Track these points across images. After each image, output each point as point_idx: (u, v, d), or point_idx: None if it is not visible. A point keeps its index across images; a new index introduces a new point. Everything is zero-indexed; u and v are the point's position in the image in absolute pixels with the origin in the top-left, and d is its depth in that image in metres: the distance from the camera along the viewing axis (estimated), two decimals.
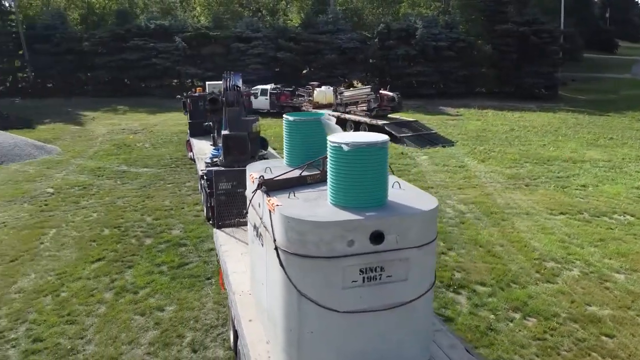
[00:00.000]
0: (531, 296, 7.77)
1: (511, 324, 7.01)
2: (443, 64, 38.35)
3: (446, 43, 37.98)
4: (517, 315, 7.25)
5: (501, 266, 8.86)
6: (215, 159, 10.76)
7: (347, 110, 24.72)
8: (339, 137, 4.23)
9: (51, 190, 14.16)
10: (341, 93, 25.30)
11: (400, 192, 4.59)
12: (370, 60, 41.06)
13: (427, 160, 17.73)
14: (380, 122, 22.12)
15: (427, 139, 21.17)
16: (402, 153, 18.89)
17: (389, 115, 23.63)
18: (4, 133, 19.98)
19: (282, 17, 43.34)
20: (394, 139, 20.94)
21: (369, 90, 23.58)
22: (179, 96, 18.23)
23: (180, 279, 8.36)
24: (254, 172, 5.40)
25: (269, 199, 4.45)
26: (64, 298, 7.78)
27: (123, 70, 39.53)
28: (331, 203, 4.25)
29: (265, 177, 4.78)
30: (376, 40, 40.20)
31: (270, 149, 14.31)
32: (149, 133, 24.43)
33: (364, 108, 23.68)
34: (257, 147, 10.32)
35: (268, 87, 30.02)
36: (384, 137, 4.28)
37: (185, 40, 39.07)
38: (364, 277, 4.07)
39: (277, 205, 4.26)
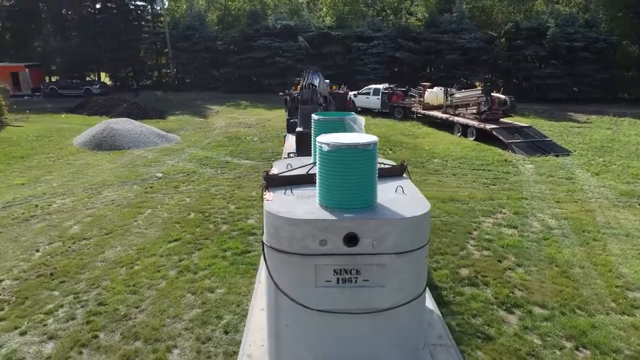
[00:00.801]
0: (595, 326, 6.97)
1: (558, 353, 6.38)
2: (577, 66, 35.02)
3: (582, 43, 34.60)
4: (569, 345, 6.57)
5: (572, 290, 8.04)
6: (291, 155, 11.15)
7: (457, 112, 23.84)
8: (325, 137, 4.24)
9: (160, 175, 15.72)
10: (452, 95, 24.46)
11: (398, 196, 4.48)
12: (497, 62, 38.89)
13: (531, 170, 16.47)
14: (489, 126, 20.99)
15: (539, 146, 19.60)
16: (505, 160, 17.75)
17: (502, 120, 22.31)
18: (135, 122, 22.52)
19: (404, 17, 42.79)
20: (501, 144, 19.79)
21: (480, 92, 22.47)
22: (281, 93, 19.03)
23: (238, 265, 8.87)
24: (276, 167, 5.60)
25: (265, 193, 4.62)
26: (135, 271, 8.70)
27: (250, 68, 42.10)
28: (318, 202, 4.29)
29: (272, 173, 4.95)
30: (503, 40, 37.98)
31: None
32: (261, 128, 25.82)
33: (474, 111, 22.67)
34: None
35: (380, 86, 29.98)
36: (370, 139, 4.20)
37: (308, 40, 40.45)
38: (338, 278, 4.07)
39: (267, 200, 4.41)
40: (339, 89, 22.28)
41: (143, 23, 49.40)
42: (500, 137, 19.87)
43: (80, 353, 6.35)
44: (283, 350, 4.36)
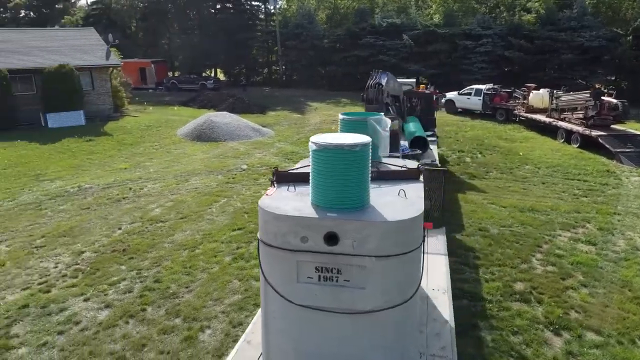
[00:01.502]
0: None
1: None
2: None
3: None
4: None
5: (639, 318, 7.21)
6: None
7: (562, 116, 22.09)
8: (317, 136, 4.30)
9: (245, 166, 16.58)
10: (558, 97, 22.69)
11: (396, 199, 4.42)
12: (622, 62, 35.25)
13: (636, 183, 14.85)
14: (595, 132, 19.19)
15: None
16: (607, 170, 16.16)
17: (613, 126, 20.29)
18: (233, 116, 23.88)
19: (518, 13, 40.31)
20: (608, 153, 18.03)
21: (588, 95, 20.60)
22: (363, 94, 19.00)
23: None
24: (300, 164, 5.76)
25: (269, 188, 4.80)
26: (195, 254, 9.36)
27: (354, 66, 42.45)
28: (310, 201, 4.38)
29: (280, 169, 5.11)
30: (629, 38, 34.32)
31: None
32: None
33: (581, 116, 20.85)
34: (396, 146, 10.39)
35: (483, 87, 28.67)
36: (359, 141, 4.19)
37: (413, 38, 39.81)
38: (319, 276, 4.14)
39: (266, 194, 4.59)
40: (426, 89, 21.77)
41: (257, 22, 51.93)
42: (607, 145, 18.11)
43: (127, 323, 7.03)
44: (271, 340, 4.52)
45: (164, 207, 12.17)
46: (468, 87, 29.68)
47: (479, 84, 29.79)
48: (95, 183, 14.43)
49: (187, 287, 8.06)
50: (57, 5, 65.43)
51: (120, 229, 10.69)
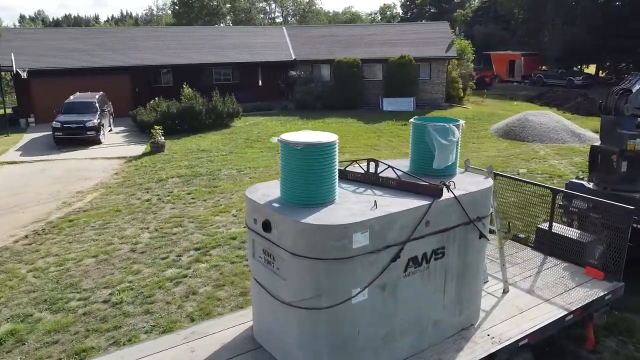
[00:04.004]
0: None
1: None
2: None
3: None
4: None
5: None
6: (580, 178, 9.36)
7: None
8: (288, 134, 4.54)
9: (522, 171, 15.40)
10: None
11: (358, 207, 4.32)
12: None
13: None
14: None
15: None
16: None
17: None
18: (554, 116, 21.66)
19: None
20: None
21: None
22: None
23: None
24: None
25: None
26: None
27: None
28: None
29: None
30: None
31: None
32: None
33: None
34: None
35: None
36: (316, 140, 4.28)
37: None
38: (265, 258, 4.59)
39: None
40: None
41: None
42: None
43: None
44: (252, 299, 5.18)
45: None
46: None
47: None
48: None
49: None
50: (455, 0, 71.17)
51: None
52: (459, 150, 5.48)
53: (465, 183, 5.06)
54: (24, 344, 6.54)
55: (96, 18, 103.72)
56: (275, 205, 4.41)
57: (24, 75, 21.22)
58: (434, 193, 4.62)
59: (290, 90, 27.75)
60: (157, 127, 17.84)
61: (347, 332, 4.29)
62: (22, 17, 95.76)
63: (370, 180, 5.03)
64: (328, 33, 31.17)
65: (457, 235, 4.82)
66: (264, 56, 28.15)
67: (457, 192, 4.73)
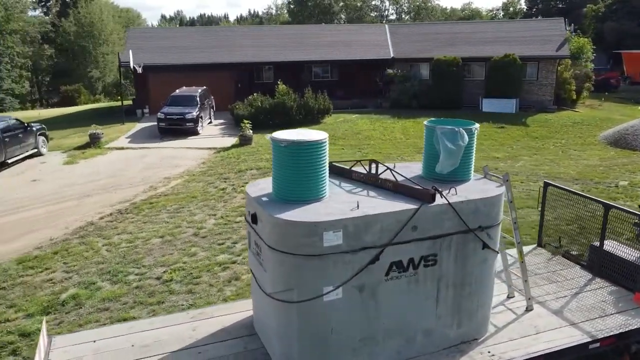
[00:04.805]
0: None
1: None
2: None
3: None
4: None
5: None
6: None
7: None
8: (282, 132, 4.66)
9: (624, 183, 13.93)
10: None
11: (338, 207, 4.37)
12: None
13: None
14: None
15: None
16: None
17: None
18: None
19: None
20: None
21: None
22: None
23: None
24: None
25: None
26: None
27: None
28: None
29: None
30: None
31: None
32: None
33: None
34: None
35: None
36: (301, 138, 4.36)
37: None
38: (255, 249, 4.78)
39: None
40: None
41: None
42: None
43: None
44: None
45: None
46: None
47: None
48: None
49: None
50: None
51: None
52: (472, 155, 5.22)
53: (471, 190, 4.82)
54: (81, 308, 7.41)
55: (225, 17, 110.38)
56: (263, 199, 4.57)
57: (139, 70, 23.51)
58: (425, 198, 4.47)
59: (387, 89, 27.56)
60: (246, 121, 18.80)
61: (320, 328, 4.34)
62: (162, 17, 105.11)
63: (371, 182, 4.99)
64: (431, 30, 30.42)
65: (454, 243, 4.61)
66: (362, 54, 28.25)
67: (455, 199, 4.53)
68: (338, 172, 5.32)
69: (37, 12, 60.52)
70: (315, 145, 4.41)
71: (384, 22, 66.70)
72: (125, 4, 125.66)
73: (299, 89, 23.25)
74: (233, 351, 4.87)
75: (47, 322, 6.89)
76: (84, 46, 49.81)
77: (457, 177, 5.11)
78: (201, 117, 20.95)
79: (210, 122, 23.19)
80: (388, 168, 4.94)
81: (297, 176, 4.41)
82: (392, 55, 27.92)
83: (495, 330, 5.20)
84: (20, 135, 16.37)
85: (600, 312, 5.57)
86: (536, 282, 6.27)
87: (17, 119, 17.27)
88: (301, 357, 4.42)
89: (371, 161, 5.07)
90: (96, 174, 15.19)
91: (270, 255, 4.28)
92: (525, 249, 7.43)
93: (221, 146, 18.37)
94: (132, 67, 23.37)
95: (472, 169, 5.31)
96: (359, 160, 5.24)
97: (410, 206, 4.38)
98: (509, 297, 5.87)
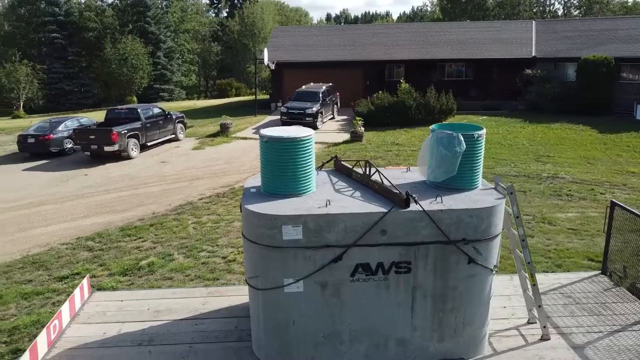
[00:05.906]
0: None
1: None
2: None
3: None
4: None
5: None
6: None
7: None
8: (271, 129, 4.88)
9: None
10: None
11: (313, 204, 4.52)
12: None
13: None
14: None
15: None
16: None
17: None
18: None
19: None
20: None
21: None
22: None
23: None
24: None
25: None
26: None
27: None
28: None
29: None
30: None
31: None
32: None
33: None
34: None
35: None
36: (280, 134, 4.58)
37: None
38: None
39: None
40: None
41: None
42: None
43: None
44: None
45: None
46: None
47: None
48: (578, 177, 14.19)
49: None
50: None
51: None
52: (482, 161, 4.89)
53: (460, 200, 4.55)
54: (152, 274, 8.46)
55: (387, 15, 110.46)
56: (251, 190, 4.87)
57: (272, 67, 25.17)
58: (397, 202, 4.36)
59: (524, 90, 25.58)
60: (358, 118, 19.08)
61: (282, 318, 4.52)
62: (328, 16, 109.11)
63: (363, 182, 4.98)
64: (582, 27, 27.39)
65: (431, 253, 4.42)
66: (500, 53, 26.56)
67: (433, 207, 4.34)
68: (342, 171, 5.39)
69: (210, 13, 67.97)
70: (295, 143, 4.58)
71: (545, 17, 61.39)
72: (296, 3, 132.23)
73: (437, 88, 22.67)
74: (224, 328, 5.27)
75: (120, 282, 8.05)
76: (245, 43, 54.51)
77: (460, 184, 4.84)
78: (321, 113, 21.74)
79: (333, 118, 23.90)
80: (377, 170, 4.88)
81: (278, 171, 4.63)
82: (533, 54, 25.78)
83: (491, 354, 4.84)
84: (160, 122, 18.79)
85: (633, 355, 4.83)
86: (573, 312, 5.62)
87: (160, 108, 19.82)
88: (266, 343, 4.66)
89: (366, 162, 5.05)
90: (215, 159, 16.80)
91: (243, 242, 4.58)
92: (585, 274, 6.68)
93: (333, 141, 18.91)
94: (266, 63, 25.12)
95: (480, 177, 4.97)
96: (359, 161, 5.25)
97: (379, 209, 4.32)
98: (529, 322, 5.37)
